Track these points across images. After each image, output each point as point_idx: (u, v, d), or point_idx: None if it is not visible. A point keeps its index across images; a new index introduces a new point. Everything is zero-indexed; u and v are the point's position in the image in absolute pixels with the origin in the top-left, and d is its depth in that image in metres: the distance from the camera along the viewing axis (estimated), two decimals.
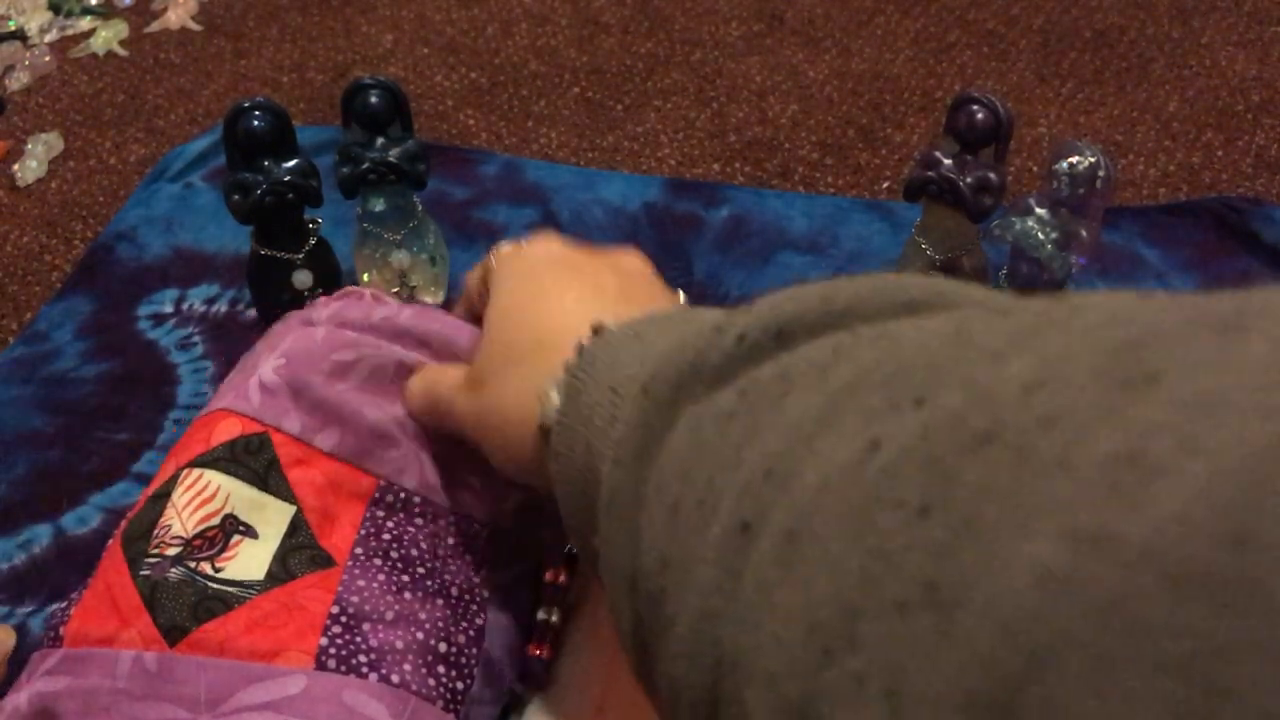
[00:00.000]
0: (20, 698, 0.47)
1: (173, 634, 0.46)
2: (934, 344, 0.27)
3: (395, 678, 0.47)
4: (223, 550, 0.49)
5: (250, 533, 0.50)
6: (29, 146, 0.95)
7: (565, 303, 0.45)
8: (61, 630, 0.48)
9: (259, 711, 0.44)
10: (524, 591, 0.56)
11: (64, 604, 0.50)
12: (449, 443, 0.54)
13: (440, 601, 0.51)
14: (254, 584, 0.48)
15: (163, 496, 0.51)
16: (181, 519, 0.49)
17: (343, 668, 0.46)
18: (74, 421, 0.71)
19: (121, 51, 1.07)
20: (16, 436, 0.71)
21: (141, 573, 0.48)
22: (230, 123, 0.69)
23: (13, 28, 1.09)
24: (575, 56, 1.03)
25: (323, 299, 0.60)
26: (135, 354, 0.76)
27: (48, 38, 1.09)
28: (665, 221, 0.84)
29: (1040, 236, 0.64)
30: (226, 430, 0.52)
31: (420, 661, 0.49)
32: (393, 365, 0.55)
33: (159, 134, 0.97)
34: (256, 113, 0.68)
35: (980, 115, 0.66)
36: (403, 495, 0.53)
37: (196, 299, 0.80)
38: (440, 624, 0.50)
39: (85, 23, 1.10)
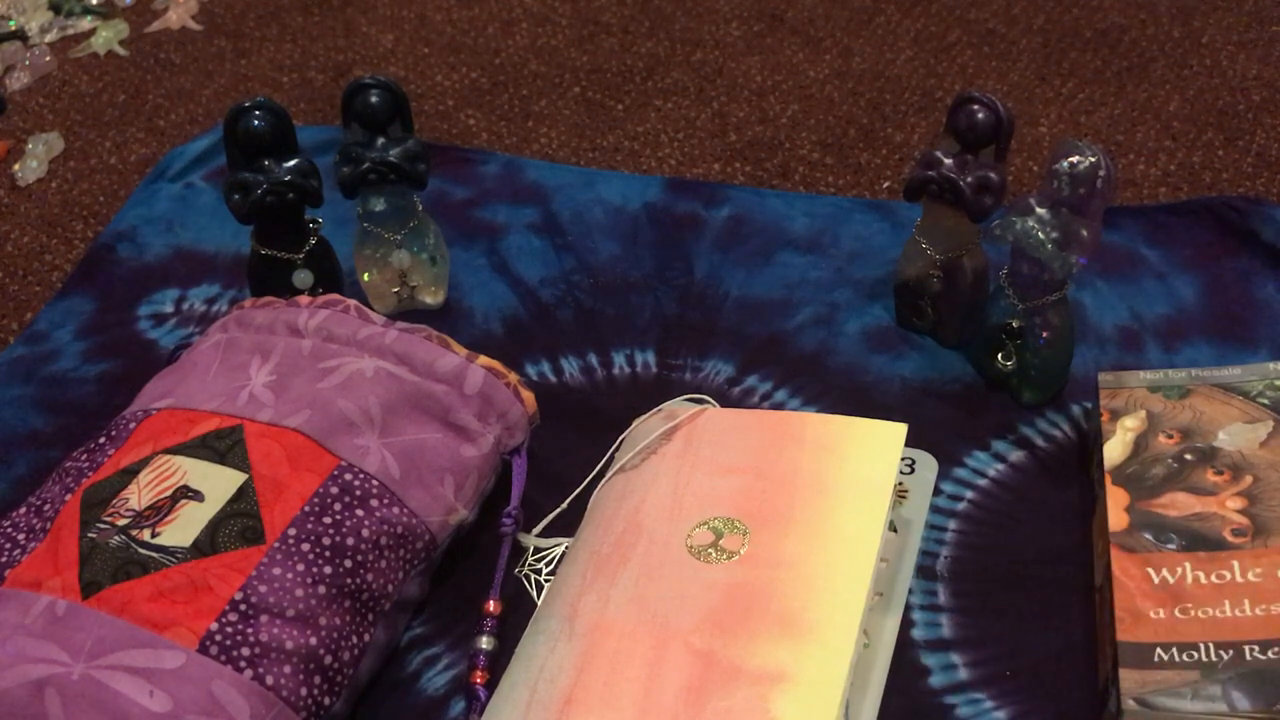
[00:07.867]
0: None
1: (89, 589, 0.49)
2: None
3: (270, 679, 0.49)
4: (166, 515, 0.52)
5: (197, 496, 0.53)
6: (29, 146, 0.95)
7: None
8: (6, 573, 0.52)
9: (129, 674, 0.47)
10: (405, 617, 0.59)
11: (16, 548, 0.53)
12: (414, 445, 0.58)
13: (347, 604, 0.53)
14: (177, 551, 0.51)
15: (131, 473, 0.54)
16: (140, 495, 0.53)
17: (223, 657, 0.49)
18: (74, 421, 0.71)
19: (122, 51, 1.07)
20: (16, 436, 0.71)
21: (89, 535, 0.51)
22: (231, 123, 0.69)
23: (13, 28, 1.09)
24: (575, 56, 1.04)
25: (306, 302, 0.63)
26: (135, 354, 0.76)
27: (48, 38, 1.09)
28: (665, 221, 0.84)
29: (1040, 236, 0.64)
30: (206, 425, 0.56)
31: (302, 668, 0.50)
32: (371, 370, 0.59)
33: (159, 134, 0.97)
34: (257, 113, 0.69)
35: (980, 115, 0.67)
36: (362, 475, 0.56)
37: (197, 299, 0.80)
38: (334, 635, 0.52)
39: (86, 23, 1.10)
